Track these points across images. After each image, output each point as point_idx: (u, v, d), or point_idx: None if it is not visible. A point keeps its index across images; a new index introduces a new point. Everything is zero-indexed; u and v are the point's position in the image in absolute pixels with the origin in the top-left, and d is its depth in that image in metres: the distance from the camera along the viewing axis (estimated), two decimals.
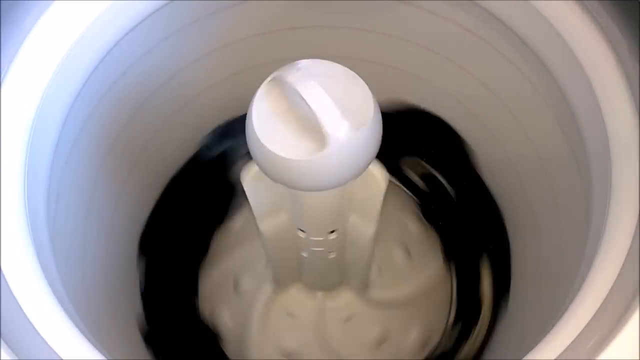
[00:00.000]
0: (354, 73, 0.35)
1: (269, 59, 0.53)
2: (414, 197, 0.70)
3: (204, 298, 0.68)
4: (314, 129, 0.33)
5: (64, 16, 0.38)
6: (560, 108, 0.43)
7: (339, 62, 0.35)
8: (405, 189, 0.71)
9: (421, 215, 0.70)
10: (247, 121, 0.35)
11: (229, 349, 0.67)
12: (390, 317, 0.66)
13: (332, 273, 0.62)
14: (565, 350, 0.32)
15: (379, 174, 0.42)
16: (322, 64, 0.35)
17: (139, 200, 0.59)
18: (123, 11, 0.41)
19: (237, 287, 0.68)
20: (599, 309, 0.33)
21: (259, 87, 0.35)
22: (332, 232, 0.49)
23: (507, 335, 0.57)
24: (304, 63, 0.34)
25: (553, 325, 0.33)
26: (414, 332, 0.66)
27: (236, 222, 0.71)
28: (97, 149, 0.48)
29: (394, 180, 0.70)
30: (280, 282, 0.66)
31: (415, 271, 0.68)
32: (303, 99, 0.33)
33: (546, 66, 0.42)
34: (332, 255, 0.54)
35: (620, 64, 0.37)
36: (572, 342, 0.32)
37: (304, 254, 0.54)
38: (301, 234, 0.49)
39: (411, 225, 0.70)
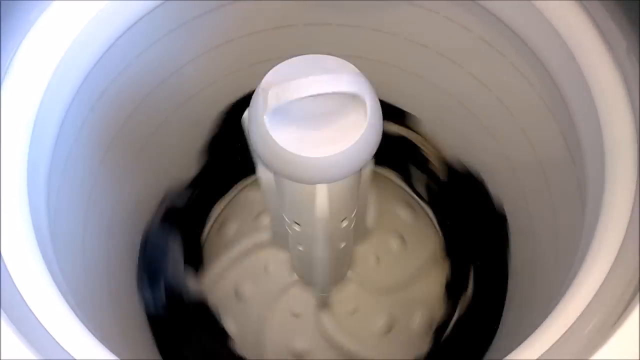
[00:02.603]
0: (367, 110, 0.34)
1: (266, 57, 0.53)
2: (405, 185, 0.71)
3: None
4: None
5: (63, 15, 0.39)
6: (559, 109, 0.43)
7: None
8: (394, 176, 0.72)
9: (412, 201, 0.71)
10: (253, 122, 0.35)
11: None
12: (394, 303, 0.67)
13: (351, 246, 0.62)
14: (551, 348, 0.32)
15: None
16: (359, 83, 0.34)
17: (138, 199, 0.59)
18: (121, 10, 0.42)
19: (239, 295, 0.69)
20: (590, 303, 0.33)
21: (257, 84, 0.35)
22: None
23: (506, 330, 0.57)
24: (349, 75, 0.34)
25: (540, 324, 0.34)
26: (419, 314, 0.67)
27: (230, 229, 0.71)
28: (95, 147, 0.48)
29: (384, 170, 0.71)
30: (278, 241, 0.66)
31: (412, 255, 0.69)
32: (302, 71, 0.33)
33: (545, 67, 0.42)
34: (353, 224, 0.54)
35: (619, 66, 0.37)
36: (559, 340, 0.32)
37: (343, 244, 0.53)
38: (344, 224, 0.49)
39: (403, 213, 0.71)
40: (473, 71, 0.52)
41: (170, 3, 0.45)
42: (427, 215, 0.71)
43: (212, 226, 0.71)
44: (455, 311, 0.66)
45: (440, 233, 0.70)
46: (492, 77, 0.51)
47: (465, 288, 0.66)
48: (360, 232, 0.65)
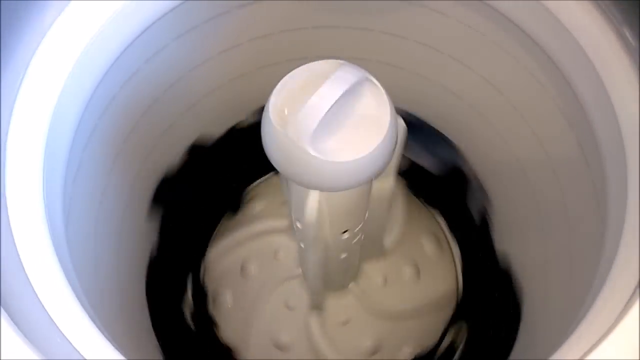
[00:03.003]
0: (391, 115, 0.34)
1: (272, 61, 0.54)
2: (438, 217, 0.71)
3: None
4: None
5: (80, 15, 0.39)
6: (571, 108, 0.43)
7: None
8: (427, 206, 0.71)
9: (440, 237, 0.70)
10: (266, 105, 0.35)
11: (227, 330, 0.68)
12: (387, 329, 0.67)
13: (358, 256, 0.62)
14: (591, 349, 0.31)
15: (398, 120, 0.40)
16: (374, 89, 0.34)
17: (149, 201, 0.59)
18: (138, 11, 0.42)
19: (244, 271, 0.69)
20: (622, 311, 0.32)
21: (267, 86, 0.35)
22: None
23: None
24: (361, 73, 0.34)
25: (577, 326, 0.33)
26: (408, 349, 0.66)
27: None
28: (109, 146, 0.48)
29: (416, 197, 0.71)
30: (318, 300, 0.66)
31: (421, 289, 0.68)
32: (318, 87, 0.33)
33: (557, 65, 0.42)
34: (362, 237, 0.54)
35: (633, 61, 0.37)
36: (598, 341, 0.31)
37: (343, 256, 0.54)
38: (345, 235, 0.49)
39: (427, 245, 0.70)
40: (484, 74, 0.52)
41: (185, 5, 0.45)
42: (452, 255, 0.70)
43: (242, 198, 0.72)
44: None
45: (459, 279, 0.69)
46: (499, 77, 0.51)
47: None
48: (375, 249, 0.65)
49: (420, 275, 0.69)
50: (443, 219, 0.71)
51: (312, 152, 0.33)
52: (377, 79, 0.35)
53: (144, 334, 0.56)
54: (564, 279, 0.48)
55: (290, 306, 0.68)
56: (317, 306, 0.67)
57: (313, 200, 0.41)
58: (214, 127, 0.62)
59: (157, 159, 0.57)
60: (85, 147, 0.44)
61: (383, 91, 0.35)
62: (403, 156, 0.64)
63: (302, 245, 0.54)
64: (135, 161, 0.54)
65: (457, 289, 0.68)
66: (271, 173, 0.72)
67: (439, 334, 0.66)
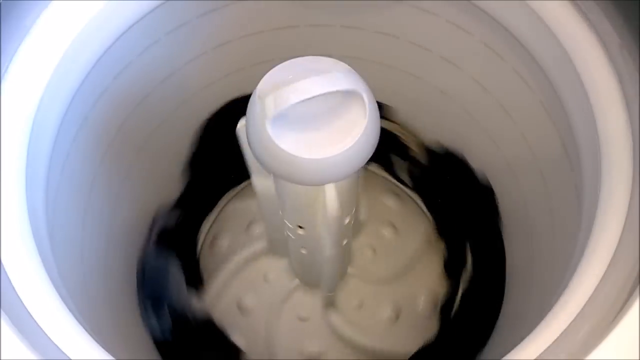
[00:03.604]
0: (365, 104, 0.34)
1: (265, 58, 0.54)
2: (388, 175, 0.72)
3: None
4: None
5: (63, 14, 0.39)
6: (554, 108, 0.43)
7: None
8: (377, 167, 0.72)
9: (398, 190, 0.72)
10: (250, 122, 0.35)
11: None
12: (397, 291, 0.68)
13: (309, 268, 0.62)
14: (547, 349, 0.32)
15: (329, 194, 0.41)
16: (355, 85, 0.34)
17: (138, 200, 0.59)
18: (121, 9, 0.42)
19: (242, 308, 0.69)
20: (586, 304, 0.33)
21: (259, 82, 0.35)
22: (301, 227, 0.49)
23: (504, 330, 0.57)
24: (347, 73, 0.34)
25: (540, 321, 0.34)
26: (423, 297, 0.68)
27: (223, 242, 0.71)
28: (95, 147, 0.48)
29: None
30: (272, 247, 0.66)
31: (406, 241, 0.70)
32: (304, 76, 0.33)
33: (540, 65, 0.42)
34: (303, 251, 0.55)
35: (613, 64, 0.38)
36: (555, 340, 0.32)
37: (345, 241, 0.54)
38: (346, 220, 0.49)
39: (391, 202, 0.72)
40: (473, 74, 0.52)
41: (172, 3, 0.45)
42: (414, 201, 0.72)
43: (203, 242, 0.71)
44: (458, 288, 0.66)
45: (429, 216, 0.70)
46: (487, 77, 0.51)
47: (464, 263, 0.66)
48: (355, 226, 0.65)
49: (398, 229, 0.70)
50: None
51: (269, 131, 0.33)
52: (369, 78, 0.35)
53: (134, 333, 0.56)
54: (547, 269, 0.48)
55: (303, 318, 0.67)
56: (330, 303, 0.67)
57: (332, 194, 0.41)
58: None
59: (148, 156, 0.57)
60: (73, 141, 0.44)
61: (367, 111, 0.34)
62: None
63: (304, 252, 0.54)
64: (127, 155, 0.54)
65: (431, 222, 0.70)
66: (222, 203, 0.72)
67: (441, 268, 0.68)
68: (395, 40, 0.54)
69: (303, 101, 0.32)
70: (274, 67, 0.35)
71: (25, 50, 0.38)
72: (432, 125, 0.63)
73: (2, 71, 0.37)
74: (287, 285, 0.68)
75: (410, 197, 0.72)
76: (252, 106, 0.35)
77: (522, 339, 0.34)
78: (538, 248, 0.52)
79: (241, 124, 0.41)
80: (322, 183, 0.37)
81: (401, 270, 0.68)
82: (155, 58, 0.49)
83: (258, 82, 0.36)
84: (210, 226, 0.71)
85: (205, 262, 0.70)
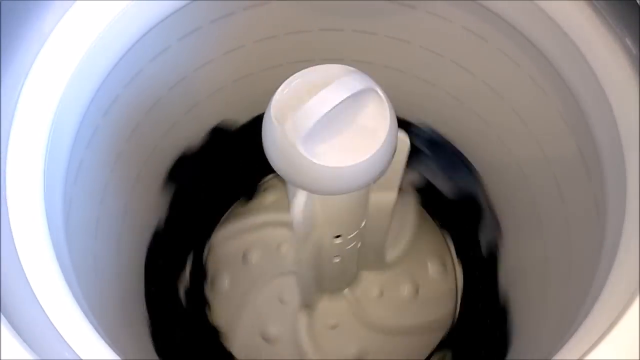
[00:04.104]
0: (387, 111, 0.35)
1: (275, 63, 0.55)
2: (448, 241, 0.71)
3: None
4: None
5: (84, 15, 0.39)
6: (569, 109, 0.43)
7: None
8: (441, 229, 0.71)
9: (447, 261, 0.70)
10: (267, 123, 0.35)
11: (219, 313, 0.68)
12: (374, 341, 0.67)
13: (355, 264, 0.62)
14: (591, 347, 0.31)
15: (402, 136, 0.41)
16: (377, 99, 0.35)
17: (149, 202, 0.59)
18: (142, 11, 0.42)
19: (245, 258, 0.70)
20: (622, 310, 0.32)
21: (270, 88, 0.35)
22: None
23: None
24: (369, 86, 0.34)
25: (578, 327, 0.33)
26: (433, 267, 0.68)
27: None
28: (107, 154, 0.48)
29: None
30: (311, 301, 0.66)
31: (415, 311, 0.68)
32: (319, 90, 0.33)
33: (554, 66, 0.42)
34: (358, 245, 0.55)
35: (630, 61, 0.37)
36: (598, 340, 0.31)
37: (337, 260, 0.54)
38: (337, 240, 0.49)
39: (431, 267, 0.70)
40: (488, 80, 0.52)
41: (185, 9, 0.45)
42: (455, 282, 0.70)
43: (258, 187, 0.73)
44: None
45: (456, 307, 0.68)
46: (497, 79, 0.51)
47: None
48: (376, 260, 0.65)
49: (419, 295, 0.68)
50: (453, 244, 0.70)
51: (303, 152, 0.33)
52: (380, 83, 0.35)
53: (143, 334, 0.55)
54: (562, 285, 0.48)
55: (283, 300, 0.68)
56: (307, 305, 0.67)
57: (300, 199, 0.42)
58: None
59: (159, 158, 0.57)
60: (87, 146, 0.44)
61: (387, 104, 0.35)
62: (419, 174, 0.65)
63: (337, 260, 0.55)
64: (137, 161, 0.54)
65: (453, 316, 0.68)
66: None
67: (425, 356, 0.66)
68: (407, 45, 0.53)
69: (325, 114, 0.32)
70: (286, 71, 0.35)
71: (47, 52, 0.38)
72: (443, 130, 0.62)
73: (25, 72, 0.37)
74: (290, 265, 0.68)
75: (455, 278, 0.69)
76: (272, 132, 0.34)
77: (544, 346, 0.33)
78: (552, 254, 0.52)
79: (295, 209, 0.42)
80: (365, 184, 0.37)
81: (390, 330, 0.67)
82: (165, 64, 0.49)
83: (268, 88, 0.36)
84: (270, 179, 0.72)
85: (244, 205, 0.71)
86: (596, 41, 0.38)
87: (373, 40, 0.54)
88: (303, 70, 0.35)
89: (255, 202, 0.72)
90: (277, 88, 0.35)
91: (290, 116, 0.33)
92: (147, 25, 0.43)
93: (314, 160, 0.34)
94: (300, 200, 0.41)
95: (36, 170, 0.36)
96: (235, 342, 0.67)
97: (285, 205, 0.68)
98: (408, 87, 0.57)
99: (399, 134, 0.39)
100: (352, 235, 0.50)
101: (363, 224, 0.50)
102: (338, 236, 0.49)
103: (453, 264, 0.70)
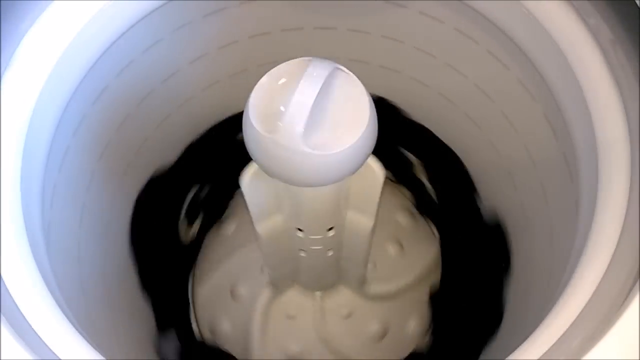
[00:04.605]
0: (369, 104, 0.35)
1: (265, 60, 0.54)
2: (407, 192, 0.71)
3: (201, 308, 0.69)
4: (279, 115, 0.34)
5: (62, 15, 0.39)
6: (552, 112, 0.43)
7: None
8: (396, 183, 0.71)
9: (413, 209, 0.71)
10: (245, 112, 0.35)
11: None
12: (389, 310, 0.67)
13: (330, 271, 0.62)
14: (550, 348, 0.32)
15: (376, 168, 0.42)
16: (348, 79, 0.35)
17: (135, 200, 0.59)
18: (121, 10, 0.42)
19: (235, 294, 0.69)
20: (584, 308, 0.33)
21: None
22: (330, 229, 0.49)
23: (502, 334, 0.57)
24: (337, 68, 0.35)
25: (539, 324, 0.34)
26: (413, 322, 0.67)
27: (228, 229, 0.72)
28: (94, 143, 0.48)
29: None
30: (279, 285, 0.66)
31: (410, 263, 0.69)
32: (296, 87, 0.33)
33: (537, 69, 0.42)
34: (330, 253, 0.55)
35: (610, 67, 0.37)
36: (558, 341, 0.32)
37: (302, 254, 0.55)
38: (300, 234, 0.50)
39: (403, 220, 0.71)
40: (478, 82, 0.52)
41: (171, 5, 0.45)
42: (428, 224, 0.71)
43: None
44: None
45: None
46: (485, 80, 0.51)
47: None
48: (353, 281, 0.65)
49: (404, 248, 0.69)
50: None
51: (307, 150, 0.33)
52: (374, 82, 0.36)
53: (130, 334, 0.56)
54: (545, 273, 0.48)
55: (291, 316, 0.68)
56: (273, 283, 0.66)
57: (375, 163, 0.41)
58: (210, 122, 0.63)
59: (147, 154, 0.57)
60: (72, 137, 0.44)
61: (355, 77, 0.35)
62: None
63: (331, 253, 0.54)
64: (126, 153, 0.54)
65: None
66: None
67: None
68: (401, 45, 0.54)
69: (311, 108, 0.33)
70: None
71: (26, 44, 0.38)
72: (434, 129, 0.62)
73: (1, 71, 0.37)
74: (311, 304, 0.68)
75: (425, 221, 0.70)
76: (266, 146, 0.34)
77: (521, 342, 0.33)
78: (538, 251, 0.52)
79: (248, 175, 0.41)
80: (362, 162, 0.37)
81: (397, 291, 0.67)
82: (158, 57, 0.49)
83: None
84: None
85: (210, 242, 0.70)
86: (574, 37, 0.38)
87: (367, 40, 0.54)
88: (264, 77, 0.35)
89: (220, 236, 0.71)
90: None
91: (278, 124, 0.33)
92: (137, 16, 0.43)
93: (319, 153, 0.34)
94: (375, 163, 0.42)
95: (13, 159, 0.36)
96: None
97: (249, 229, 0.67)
98: (401, 86, 0.58)
99: (374, 164, 0.41)
100: (315, 237, 0.50)
101: (331, 233, 0.50)
102: (331, 229, 0.49)
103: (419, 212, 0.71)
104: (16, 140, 0.37)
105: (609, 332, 0.30)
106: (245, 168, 0.42)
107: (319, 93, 0.33)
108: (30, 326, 0.33)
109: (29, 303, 0.34)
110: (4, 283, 0.34)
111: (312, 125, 0.34)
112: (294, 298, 0.67)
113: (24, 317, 0.33)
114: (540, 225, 0.51)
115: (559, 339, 0.32)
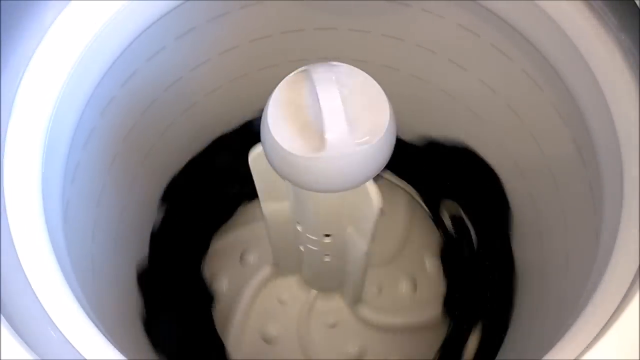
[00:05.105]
0: (379, 88, 0.35)
1: (272, 62, 0.55)
2: (441, 236, 0.70)
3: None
4: (319, 130, 0.33)
5: (80, 15, 0.39)
6: (567, 107, 0.43)
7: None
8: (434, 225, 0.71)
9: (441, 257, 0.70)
10: (265, 107, 0.35)
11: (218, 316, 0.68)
12: (373, 339, 0.66)
13: (327, 276, 0.62)
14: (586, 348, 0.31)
15: (373, 194, 0.41)
16: (351, 70, 0.35)
17: (145, 203, 0.59)
18: (138, 11, 0.42)
19: (243, 259, 0.70)
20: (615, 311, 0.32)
21: (266, 87, 0.35)
22: (328, 235, 0.49)
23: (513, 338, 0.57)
24: (335, 65, 0.35)
25: (570, 326, 0.33)
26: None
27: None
28: (103, 155, 0.48)
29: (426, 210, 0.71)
30: (280, 268, 0.66)
31: (414, 308, 0.68)
32: (318, 98, 0.33)
33: (552, 65, 0.42)
34: (326, 259, 0.55)
35: (627, 61, 0.37)
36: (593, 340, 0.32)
37: (301, 248, 0.54)
38: (299, 227, 0.50)
39: (428, 262, 0.70)
40: (482, 77, 0.52)
41: (185, 5, 0.45)
42: None
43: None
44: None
45: None
46: (494, 78, 0.51)
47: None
48: (353, 296, 0.65)
49: (417, 290, 0.68)
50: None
51: (359, 147, 0.33)
52: (375, 81, 0.35)
53: (140, 331, 0.56)
54: (560, 278, 0.48)
55: (282, 300, 0.68)
56: (310, 305, 0.66)
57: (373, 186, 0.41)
58: (214, 127, 0.63)
59: (156, 158, 0.57)
60: (85, 146, 0.44)
61: (354, 67, 0.35)
62: None
63: (328, 259, 0.54)
64: (134, 161, 0.54)
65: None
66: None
67: (428, 353, 0.66)
68: (401, 43, 0.54)
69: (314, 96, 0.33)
70: (280, 72, 0.35)
71: (43, 51, 0.38)
72: (439, 127, 0.62)
73: (21, 72, 0.37)
74: (305, 299, 0.67)
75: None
76: (315, 165, 0.34)
77: (538, 345, 0.33)
78: (551, 251, 0.52)
79: (256, 152, 0.41)
80: (288, 180, 0.37)
81: (389, 327, 0.67)
82: (162, 64, 0.49)
83: (264, 87, 0.36)
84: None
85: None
86: (589, 33, 0.38)
87: (368, 39, 0.54)
88: (271, 100, 0.34)
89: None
90: (274, 87, 0.35)
91: (324, 140, 0.33)
92: (142, 25, 0.43)
93: (368, 145, 0.33)
94: (373, 186, 0.41)
95: (34, 170, 0.36)
96: (239, 349, 0.66)
97: (242, 272, 0.68)
98: (403, 84, 0.57)
99: (373, 190, 0.40)
100: (311, 236, 0.50)
101: (328, 240, 0.50)
102: (328, 235, 0.49)
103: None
104: (36, 145, 0.37)
105: (609, 332, 0.30)
106: (254, 146, 0.41)
107: (338, 100, 0.33)
108: (44, 309, 0.33)
109: (42, 284, 0.34)
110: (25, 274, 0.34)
111: (351, 122, 0.33)
112: (292, 285, 0.67)
113: (37, 299, 0.33)
114: (553, 213, 0.50)
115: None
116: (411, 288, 0.68)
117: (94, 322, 0.34)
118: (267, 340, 0.67)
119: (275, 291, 0.68)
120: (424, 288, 0.68)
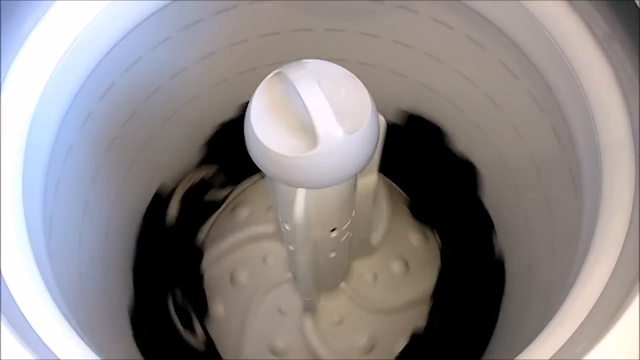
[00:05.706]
0: (355, 77, 0.35)
1: (268, 61, 0.53)
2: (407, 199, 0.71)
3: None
4: (308, 128, 0.33)
5: (65, 15, 0.39)
6: (554, 113, 0.43)
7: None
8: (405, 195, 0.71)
9: (428, 232, 0.70)
10: (246, 113, 0.35)
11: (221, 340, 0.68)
12: (381, 324, 0.67)
13: (331, 273, 0.62)
14: (557, 352, 0.32)
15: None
16: (325, 65, 0.35)
17: (137, 199, 0.59)
18: (124, 11, 0.41)
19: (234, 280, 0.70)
20: (590, 312, 0.33)
21: (246, 92, 0.35)
22: (333, 230, 0.49)
23: (501, 336, 0.57)
24: (308, 62, 0.35)
25: (543, 328, 0.34)
26: (403, 340, 0.66)
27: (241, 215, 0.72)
28: (100, 139, 0.48)
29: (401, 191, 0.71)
30: (313, 301, 0.67)
31: (411, 283, 0.68)
32: (300, 97, 0.33)
33: (538, 70, 0.42)
34: (332, 254, 0.54)
35: (613, 68, 0.37)
36: (564, 345, 0.32)
37: (333, 254, 0.54)
38: (334, 234, 0.49)
39: (414, 239, 0.70)
40: (468, 75, 0.52)
41: (174, 5, 0.44)
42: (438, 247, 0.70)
43: (225, 208, 0.72)
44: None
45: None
46: (487, 81, 0.51)
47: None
48: (363, 247, 0.65)
49: (410, 268, 0.69)
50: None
51: (350, 136, 0.33)
52: (364, 81, 0.35)
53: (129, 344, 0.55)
54: (547, 272, 0.48)
55: (282, 311, 0.68)
56: (310, 309, 0.67)
57: (300, 200, 0.41)
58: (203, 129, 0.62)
59: (152, 151, 0.56)
60: (78, 133, 0.44)
61: (340, 67, 0.35)
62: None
63: (292, 248, 0.53)
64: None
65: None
66: (257, 177, 0.72)
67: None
68: (378, 40, 0.54)
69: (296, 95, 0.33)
70: (258, 76, 0.35)
71: (32, 40, 0.38)
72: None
73: (3, 72, 0.37)
74: (280, 275, 0.68)
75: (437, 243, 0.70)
76: (310, 163, 0.34)
77: (521, 347, 0.34)
78: (537, 254, 0.52)
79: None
80: (284, 182, 0.37)
81: (393, 309, 0.67)
82: (166, 54, 0.48)
83: (244, 91, 0.35)
84: (237, 195, 0.72)
85: (219, 226, 0.71)
86: (575, 38, 0.39)
87: (344, 38, 0.54)
88: (253, 104, 0.34)
89: (231, 221, 0.72)
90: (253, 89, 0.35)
91: (316, 135, 0.33)
92: (145, 13, 0.43)
93: (357, 134, 0.33)
94: (300, 201, 0.41)
95: (15, 154, 0.36)
96: None
97: (261, 217, 0.70)
98: (383, 81, 0.57)
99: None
100: (345, 226, 0.49)
101: (335, 233, 0.49)
102: (333, 229, 0.49)
103: (432, 231, 0.70)
104: (19, 137, 0.36)
105: (609, 332, 0.30)
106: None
107: (321, 95, 0.33)
108: (30, 325, 0.33)
109: (28, 301, 0.33)
110: (4, 280, 0.33)
111: (337, 115, 0.33)
112: (328, 306, 0.67)
113: (23, 316, 0.33)
114: (540, 216, 0.51)
115: (564, 344, 0.32)
116: (404, 266, 0.69)
117: (70, 322, 0.34)
118: (233, 281, 0.68)
119: (266, 249, 0.69)
120: (415, 263, 0.69)
